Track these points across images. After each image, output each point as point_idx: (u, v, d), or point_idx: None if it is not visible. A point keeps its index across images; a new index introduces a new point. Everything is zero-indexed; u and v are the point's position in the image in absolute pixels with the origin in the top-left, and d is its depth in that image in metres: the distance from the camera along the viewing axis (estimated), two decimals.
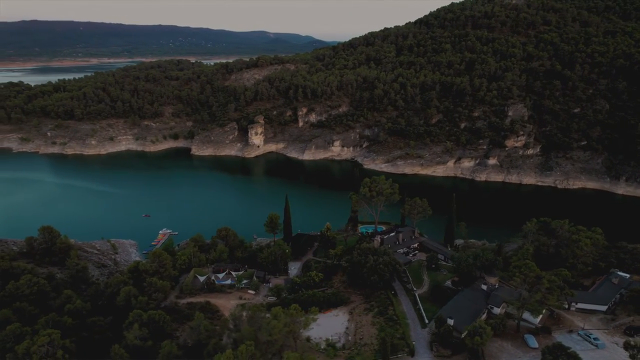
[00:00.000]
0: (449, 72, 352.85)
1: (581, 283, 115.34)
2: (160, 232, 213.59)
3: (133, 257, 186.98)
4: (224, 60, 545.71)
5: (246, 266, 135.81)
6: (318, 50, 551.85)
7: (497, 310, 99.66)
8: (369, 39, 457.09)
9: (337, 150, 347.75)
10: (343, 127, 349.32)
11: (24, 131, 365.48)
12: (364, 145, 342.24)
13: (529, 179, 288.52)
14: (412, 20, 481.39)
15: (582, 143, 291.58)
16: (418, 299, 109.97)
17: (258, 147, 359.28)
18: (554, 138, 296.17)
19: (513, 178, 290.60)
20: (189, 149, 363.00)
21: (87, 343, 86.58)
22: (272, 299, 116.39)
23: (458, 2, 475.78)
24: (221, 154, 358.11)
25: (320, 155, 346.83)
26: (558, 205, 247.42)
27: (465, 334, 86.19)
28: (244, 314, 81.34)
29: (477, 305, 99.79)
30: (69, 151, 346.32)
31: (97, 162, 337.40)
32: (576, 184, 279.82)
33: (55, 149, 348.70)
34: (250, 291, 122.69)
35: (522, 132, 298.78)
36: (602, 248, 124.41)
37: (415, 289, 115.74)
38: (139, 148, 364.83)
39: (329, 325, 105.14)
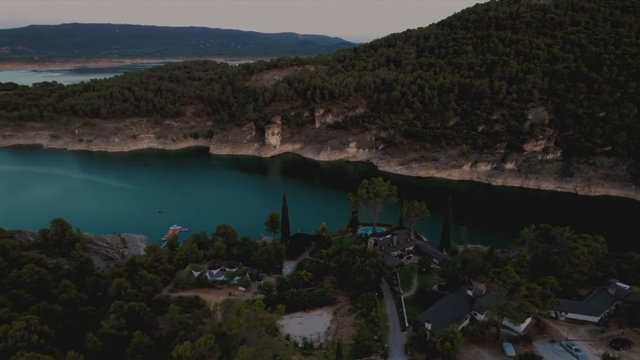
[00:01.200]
0: (468, 74, 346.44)
1: (577, 292, 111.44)
2: (170, 228, 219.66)
3: (141, 251, 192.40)
4: (251, 62, 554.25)
5: (240, 263, 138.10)
6: (341, 51, 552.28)
7: (480, 317, 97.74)
8: (390, 41, 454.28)
9: (353, 152, 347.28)
10: (359, 129, 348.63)
11: (54, 129, 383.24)
12: (379, 147, 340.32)
13: (548, 185, 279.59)
14: (441, 20, 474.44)
15: (607, 148, 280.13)
16: (403, 302, 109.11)
17: (274, 147, 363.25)
18: (576, 143, 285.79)
19: (531, 183, 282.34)
20: (208, 148, 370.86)
21: (73, 330, 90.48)
22: (260, 296, 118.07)
23: (483, 2, 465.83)
24: (238, 153, 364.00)
25: (336, 156, 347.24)
26: (577, 213, 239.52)
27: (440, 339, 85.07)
28: (218, 308, 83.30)
29: (459, 311, 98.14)
30: (94, 148, 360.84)
31: (120, 159, 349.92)
32: (598, 190, 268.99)
33: (81, 146, 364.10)
34: (240, 288, 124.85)
35: (541, 136, 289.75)
36: (601, 257, 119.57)
37: (402, 292, 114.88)
38: (160, 146, 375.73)
39: (311, 324, 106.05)
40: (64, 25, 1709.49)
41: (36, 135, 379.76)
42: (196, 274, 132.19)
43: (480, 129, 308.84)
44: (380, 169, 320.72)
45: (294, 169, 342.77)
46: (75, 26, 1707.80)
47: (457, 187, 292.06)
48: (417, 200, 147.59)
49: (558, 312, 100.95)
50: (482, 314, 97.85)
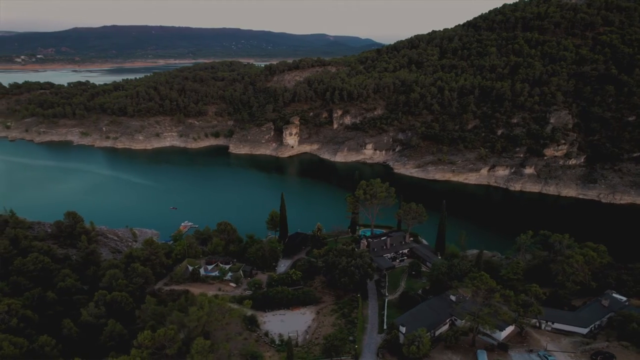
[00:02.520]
0: (490, 76, 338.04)
1: (569, 302, 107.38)
2: (182, 224, 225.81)
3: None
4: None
5: (235, 260, 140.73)
6: (364, 52, 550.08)
7: (460, 322, 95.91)
8: (414, 42, 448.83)
9: (370, 153, 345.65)
10: (376, 130, 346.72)
11: (84, 126, 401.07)
12: (396, 149, 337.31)
13: (569, 191, 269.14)
14: (467, 21, 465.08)
15: (635, 154, 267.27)
16: (386, 305, 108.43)
17: (292, 147, 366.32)
18: (602, 148, 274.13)
19: (551, 189, 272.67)
20: (228, 147, 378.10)
21: (61, 317, 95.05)
22: (248, 292, 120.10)
23: (511, 3, 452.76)
24: (257, 152, 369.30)
25: (352, 157, 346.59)
26: (598, 221, 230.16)
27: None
28: (192, 301, 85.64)
29: (439, 316, 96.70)
30: (119, 145, 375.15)
31: (143, 156, 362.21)
32: (624, 198, 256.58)
33: (108, 143, 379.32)
34: (232, 284, 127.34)
35: (563, 141, 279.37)
36: (599, 267, 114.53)
37: (387, 294, 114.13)
38: (182, 144, 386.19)
39: (293, 322, 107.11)
40: (105, 27, 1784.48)
41: (68, 132, 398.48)
42: (191, 268, 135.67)
43: (499, 132, 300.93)
44: (396, 171, 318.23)
45: (311, 169, 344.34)
46: (114, 28, 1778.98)
47: (474, 191, 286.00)
48: (414, 203, 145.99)
49: (545, 321, 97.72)
50: (462, 319, 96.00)
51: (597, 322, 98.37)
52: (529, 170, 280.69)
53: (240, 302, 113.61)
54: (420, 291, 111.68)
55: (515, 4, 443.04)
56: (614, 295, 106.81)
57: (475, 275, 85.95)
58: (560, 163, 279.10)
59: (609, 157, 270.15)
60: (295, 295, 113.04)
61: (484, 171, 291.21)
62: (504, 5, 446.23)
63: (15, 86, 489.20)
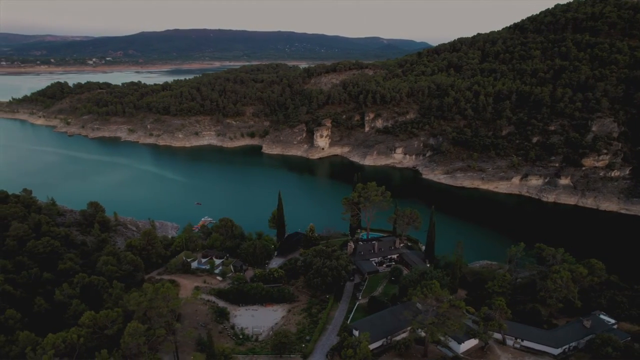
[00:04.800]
0: (531, 80, 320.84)
1: (549, 320, 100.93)
2: (202, 219, 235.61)
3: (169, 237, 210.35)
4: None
5: (227, 255, 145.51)
6: (407, 56, 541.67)
7: (420, 332, 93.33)
8: (456, 45, 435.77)
9: (399, 158, 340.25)
10: (407, 135, 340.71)
11: (132, 123, 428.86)
12: (426, 154, 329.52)
13: (609, 205, 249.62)
14: (514, 23, 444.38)
15: None
16: (354, 308, 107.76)
17: (323, 149, 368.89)
18: None
19: (588, 202, 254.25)
20: (261, 147, 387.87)
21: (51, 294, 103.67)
22: (227, 286, 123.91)
23: (564, 3, 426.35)
24: (288, 153, 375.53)
25: (382, 161, 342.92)
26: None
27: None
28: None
29: (400, 323, 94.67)
30: (161, 142, 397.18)
31: (181, 154, 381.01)
32: None
33: (151, 140, 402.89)
34: (218, 277, 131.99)
35: (605, 151, 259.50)
36: (591, 285, 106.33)
37: (360, 298, 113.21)
38: (219, 143, 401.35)
39: (262, 318, 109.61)
40: (168, 31, 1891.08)
41: (117, 129, 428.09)
42: (189, 260, 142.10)
43: (534, 139, 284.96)
44: (424, 176, 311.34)
45: (339, 171, 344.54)
46: (176, 32, 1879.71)
47: (504, 200, 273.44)
48: (409, 209, 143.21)
49: (514, 338, 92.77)
50: (412, 328, 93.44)
51: (573, 344, 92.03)
52: (564, 181, 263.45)
53: (218, 294, 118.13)
54: (389, 297, 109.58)
55: (567, 4, 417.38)
56: (602, 316, 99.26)
57: (428, 283, 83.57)
58: (601, 174, 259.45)
59: None
60: (269, 292, 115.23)
61: (516, 180, 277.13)
62: (556, 6, 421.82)
63: (78, 86, 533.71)
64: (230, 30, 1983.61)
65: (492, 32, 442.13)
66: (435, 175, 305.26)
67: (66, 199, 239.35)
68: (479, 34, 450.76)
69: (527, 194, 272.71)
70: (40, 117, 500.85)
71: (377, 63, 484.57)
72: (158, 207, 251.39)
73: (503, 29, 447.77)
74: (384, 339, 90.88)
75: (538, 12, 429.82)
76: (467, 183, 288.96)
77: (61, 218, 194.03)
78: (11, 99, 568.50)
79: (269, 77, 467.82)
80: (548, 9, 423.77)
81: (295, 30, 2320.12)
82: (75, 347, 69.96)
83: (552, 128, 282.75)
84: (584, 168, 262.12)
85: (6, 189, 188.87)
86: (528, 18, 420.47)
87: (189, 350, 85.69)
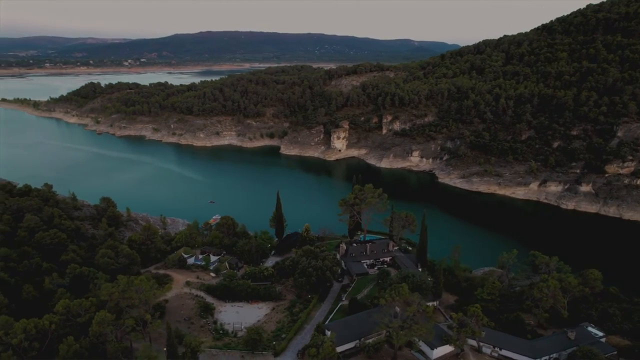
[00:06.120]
0: (554, 83, 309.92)
1: (534, 330, 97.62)
2: (213, 217, 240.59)
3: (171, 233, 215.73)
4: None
5: (224, 252, 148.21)
6: (433, 57, 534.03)
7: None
8: (480, 47, 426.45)
9: (416, 161, 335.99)
10: (424, 138, 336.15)
11: (156, 123, 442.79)
12: (443, 158, 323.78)
13: (634, 215, 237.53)
14: (541, 24, 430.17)
15: None
16: (336, 309, 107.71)
17: (339, 151, 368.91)
18: None
19: (611, 211, 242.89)
20: (280, 148, 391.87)
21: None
22: (218, 282, 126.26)
23: (597, 2, 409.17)
24: (305, 154, 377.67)
25: (398, 164, 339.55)
26: None
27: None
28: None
29: (374, 325, 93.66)
30: (183, 141, 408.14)
31: (202, 153, 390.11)
32: None
33: (174, 139, 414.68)
34: (211, 274, 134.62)
35: (631, 157, 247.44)
36: (583, 296, 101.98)
37: (344, 299, 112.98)
38: (239, 144, 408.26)
39: (246, 315, 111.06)
40: (200, 33, 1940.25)
41: (143, 128, 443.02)
42: (186, 256, 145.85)
43: (555, 144, 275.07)
44: (440, 180, 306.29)
45: (354, 173, 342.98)
46: (209, 34, 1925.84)
47: (521, 206, 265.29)
48: (405, 212, 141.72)
49: (492, 346, 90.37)
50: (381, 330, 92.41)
51: (554, 355, 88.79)
52: (585, 188, 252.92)
53: (207, 289, 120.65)
54: (371, 299, 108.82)
55: (600, 4, 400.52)
56: (590, 328, 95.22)
57: (398, 286, 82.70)
58: (626, 182, 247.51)
59: None
60: (255, 290, 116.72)
61: (534, 186, 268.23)
62: (587, 6, 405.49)
63: (109, 86, 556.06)
64: (261, 33, 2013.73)
65: (519, 34, 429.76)
66: (451, 179, 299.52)
67: (87, 193, 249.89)
68: (505, 36, 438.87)
69: (545, 201, 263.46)
70: (73, 115, 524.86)
71: (398, 65, 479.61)
72: (173, 204, 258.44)
73: (531, 30, 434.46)
74: (357, 341, 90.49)
75: (568, 13, 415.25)
76: (483, 188, 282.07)
77: (77, 212, 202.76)
78: (49, 99, 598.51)
79: (290, 79, 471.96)
80: (579, 9, 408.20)
81: (325, 32, 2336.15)
82: (47, 333, 73.64)
83: (575, 133, 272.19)
84: (607, 175, 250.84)
85: (33, 184, 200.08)
86: (557, 19, 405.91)
87: (163, 341, 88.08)
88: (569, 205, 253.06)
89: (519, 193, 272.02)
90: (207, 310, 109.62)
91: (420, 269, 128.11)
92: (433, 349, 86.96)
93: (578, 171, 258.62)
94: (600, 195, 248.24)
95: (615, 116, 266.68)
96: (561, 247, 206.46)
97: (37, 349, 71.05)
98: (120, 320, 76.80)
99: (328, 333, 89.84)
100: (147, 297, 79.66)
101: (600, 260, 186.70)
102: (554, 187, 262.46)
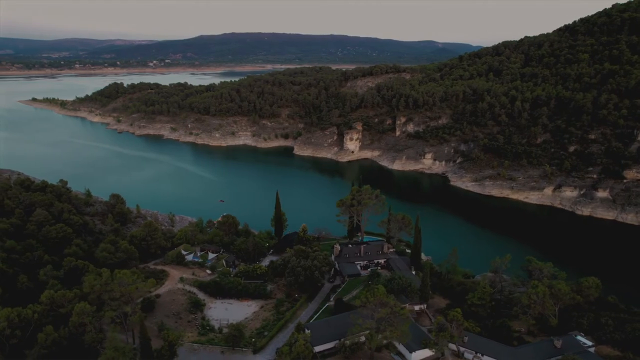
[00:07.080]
0: (573, 86, 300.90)
1: (521, 337, 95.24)
2: (221, 215, 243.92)
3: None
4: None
5: (222, 250, 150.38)
6: (451, 59, 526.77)
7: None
8: (499, 49, 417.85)
9: (429, 163, 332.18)
10: (438, 140, 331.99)
11: (174, 122, 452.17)
12: (457, 161, 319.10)
13: None
14: (564, 25, 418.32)
15: None
16: (322, 309, 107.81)
17: (352, 152, 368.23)
18: None
19: (629, 218, 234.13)
20: (293, 148, 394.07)
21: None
22: (211, 279, 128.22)
23: (623, 2, 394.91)
24: (318, 155, 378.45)
25: (410, 166, 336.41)
26: None
27: None
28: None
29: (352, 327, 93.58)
30: (199, 141, 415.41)
31: (217, 152, 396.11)
32: None
33: (190, 139, 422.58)
34: (207, 270, 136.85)
35: None
36: (576, 304, 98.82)
37: (331, 299, 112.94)
38: (253, 144, 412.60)
39: (234, 312, 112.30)
40: (224, 34, 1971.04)
41: (161, 127, 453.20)
42: (185, 252, 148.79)
43: (571, 149, 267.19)
44: (452, 183, 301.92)
45: (367, 175, 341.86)
46: (233, 35, 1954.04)
47: (535, 212, 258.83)
48: (402, 214, 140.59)
49: (474, 352, 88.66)
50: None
51: None
52: (602, 194, 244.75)
53: (199, 286, 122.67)
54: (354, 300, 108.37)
55: (627, 4, 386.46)
56: (578, 337, 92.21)
57: (374, 287, 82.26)
58: None
59: None
60: (245, 287, 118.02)
61: (548, 191, 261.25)
62: (613, 6, 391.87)
63: (131, 86, 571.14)
64: (284, 34, 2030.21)
65: (541, 35, 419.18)
66: (464, 182, 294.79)
67: (102, 190, 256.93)
68: (526, 37, 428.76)
69: (559, 206, 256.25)
70: (97, 115, 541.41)
71: (415, 67, 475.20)
72: (184, 203, 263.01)
73: (553, 31, 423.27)
74: (337, 341, 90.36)
75: (593, 13, 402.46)
76: (496, 192, 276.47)
77: (89, 208, 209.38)
78: (75, 98, 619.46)
79: (306, 80, 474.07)
80: (605, 9, 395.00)
81: (348, 34, 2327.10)
82: (30, 322, 76.67)
83: (592, 137, 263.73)
84: (625, 180, 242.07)
85: (51, 180, 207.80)
86: (580, 19, 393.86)
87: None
88: (585, 211, 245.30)
89: (532, 198, 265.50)
90: (197, 306, 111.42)
91: (414, 272, 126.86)
92: (412, 352, 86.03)
93: (595, 176, 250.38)
94: (618, 201, 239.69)
95: (637, 120, 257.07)
96: (574, 253, 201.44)
97: (19, 337, 74.04)
98: (101, 312, 79.23)
99: (307, 332, 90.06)
100: (130, 290, 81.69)
101: (613, 269, 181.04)
102: (569, 193, 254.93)
